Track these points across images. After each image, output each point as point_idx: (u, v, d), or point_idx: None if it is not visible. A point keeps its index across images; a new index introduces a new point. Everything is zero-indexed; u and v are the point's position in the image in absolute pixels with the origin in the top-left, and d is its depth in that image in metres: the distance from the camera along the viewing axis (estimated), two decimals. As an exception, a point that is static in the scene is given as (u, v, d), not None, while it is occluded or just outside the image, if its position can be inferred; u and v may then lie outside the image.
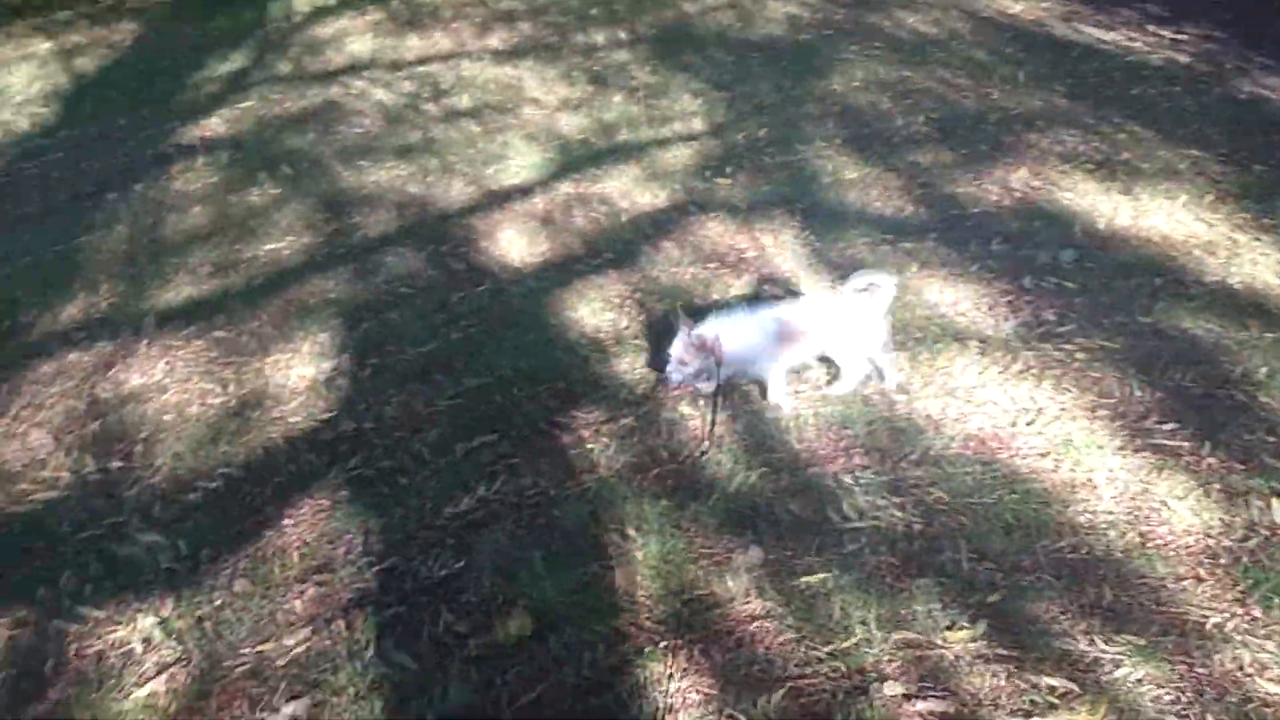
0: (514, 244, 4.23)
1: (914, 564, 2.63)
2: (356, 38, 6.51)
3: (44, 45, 6.28)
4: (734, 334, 3.07)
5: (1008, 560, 2.61)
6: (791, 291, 3.73)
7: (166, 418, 3.17)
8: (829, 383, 3.32)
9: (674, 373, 3.09)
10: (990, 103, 5.34)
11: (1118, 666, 2.33)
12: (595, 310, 3.76)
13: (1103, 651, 2.36)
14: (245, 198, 4.49)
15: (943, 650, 2.39)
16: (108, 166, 4.74)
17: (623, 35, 6.74)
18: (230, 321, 3.66)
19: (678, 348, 3.05)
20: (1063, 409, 3.13)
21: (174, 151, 4.90)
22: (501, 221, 4.40)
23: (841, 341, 3.21)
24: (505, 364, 3.47)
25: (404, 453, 3.05)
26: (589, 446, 3.11)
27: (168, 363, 3.44)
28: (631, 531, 2.76)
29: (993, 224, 4.21)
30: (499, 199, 4.60)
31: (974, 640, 2.40)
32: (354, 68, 6.04)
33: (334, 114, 5.39)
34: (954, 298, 3.73)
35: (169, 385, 3.33)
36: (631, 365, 3.46)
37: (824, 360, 3.34)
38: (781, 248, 4.18)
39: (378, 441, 3.11)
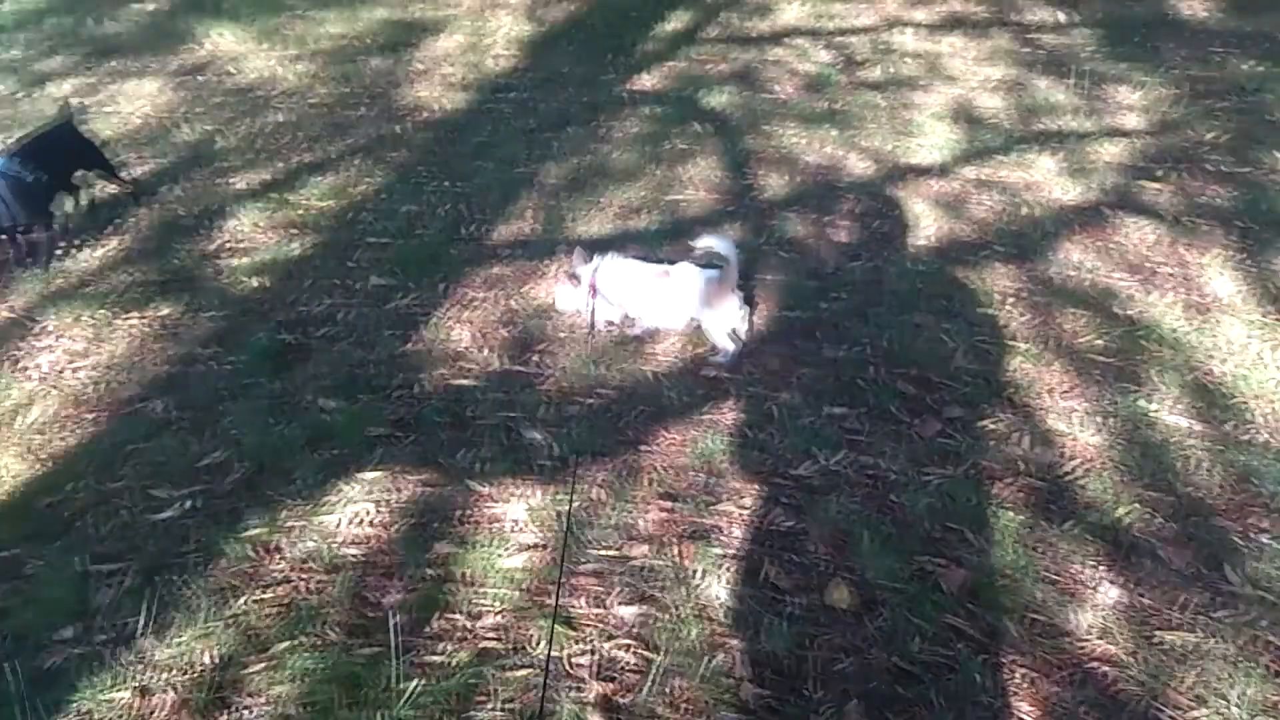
0: (902, 222, 4.15)
1: (1307, 653, 2.25)
2: (786, 6, 6.65)
3: (519, -2, 7.18)
4: (609, 276, 3.36)
5: None
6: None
7: (562, 335, 3.57)
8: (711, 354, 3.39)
9: (556, 300, 3.55)
10: None
11: None
12: (974, 303, 3.60)
13: None
14: (659, 150, 4.85)
15: (1325, 759, 2.04)
16: (551, 109, 5.35)
17: (1064, 17, 6.21)
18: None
19: (560, 280, 3.51)
20: None
21: (607, 101, 5.41)
22: (894, 198, 4.32)
23: (700, 312, 3.29)
24: (868, 341, 3.45)
25: (758, 409, 3.17)
26: (941, 440, 3.01)
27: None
28: (974, 535, 2.65)
29: None
30: (896, 175, 4.52)
31: (1371, 760, 2.02)
32: (777, 35, 6.20)
33: (752, 78, 5.60)
34: None
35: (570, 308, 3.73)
36: (1005, 366, 3.28)
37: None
38: (1208, 267, 3.68)
39: (736, 393, 3.26)
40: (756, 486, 2.87)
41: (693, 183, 4.55)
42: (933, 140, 4.80)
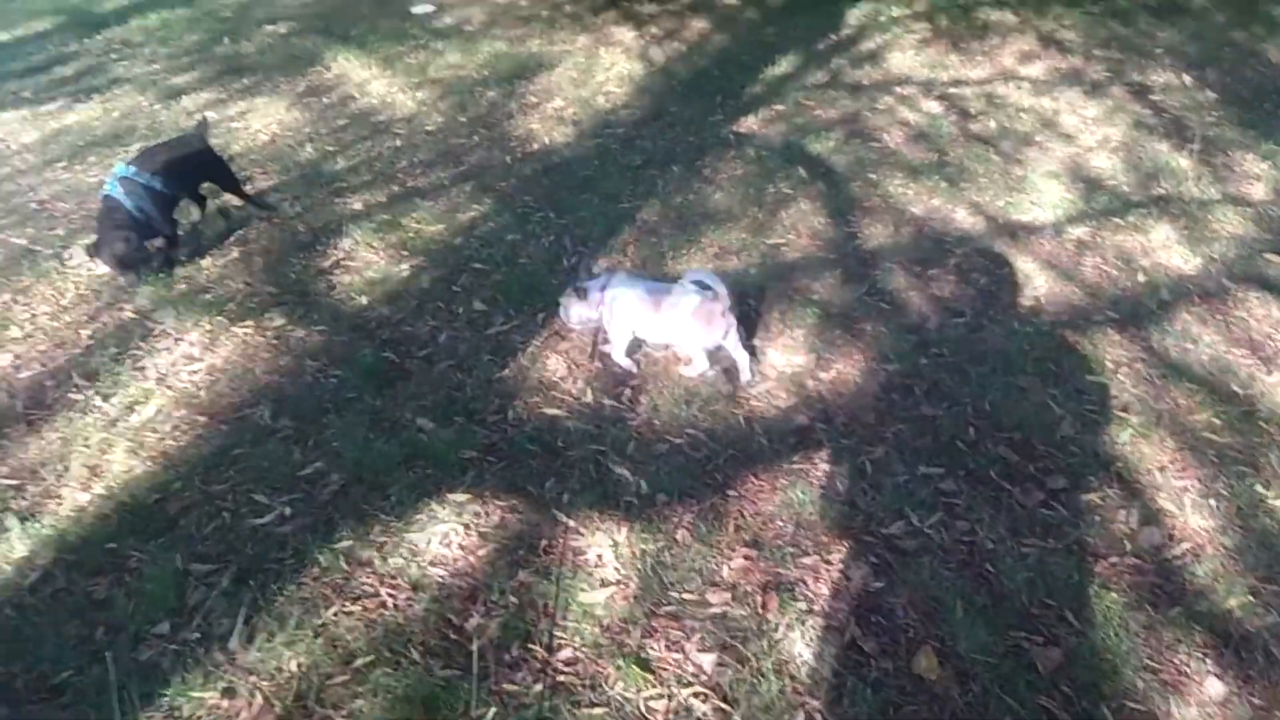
0: (1009, 281, 4.05)
1: None
2: (898, 54, 6.63)
3: (629, 34, 7.33)
4: (614, 293, 3.49)
5: None
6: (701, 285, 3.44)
7: (656, 371, 3.59)
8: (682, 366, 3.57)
9: (563, 314, 3.67)
10: None
11: None
12: (1083, 370, 3.48)
13: None
14: (761, 193, 4.86)
15: None
16: (657, 148, 5.43)
17: (1188, 80, 6.02)
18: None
19: (567, 294, 3.61)
20: None
21: (712, 142, 5.45)
22: (1002, 255, 4.24)
23: (681, 333, 3.47)
24: (968, 401, 3.37)
25: (850, 462, 3.12)
26: (1043, 511, 2.91)
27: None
28: (1072, 614, 2.54)
29: None
30: (1003, 232, 4.43)
31: None
32: (887, 83, 6.17)
33: (859, 126, 5.58)
34: None
35: (663, 346, 3.75)
36: (1113, 438, 3.16)
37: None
38: (1337, 351, 3.50)
39: (825, 444, 3.22)
40: (845, 543, 2.82)
41: (794, 228, 4.54)
42: (1045, 198, 4.70)
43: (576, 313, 3.63)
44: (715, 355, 3.54)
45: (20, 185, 5.14)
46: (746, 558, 2.79)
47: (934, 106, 5.80)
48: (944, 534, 2.83)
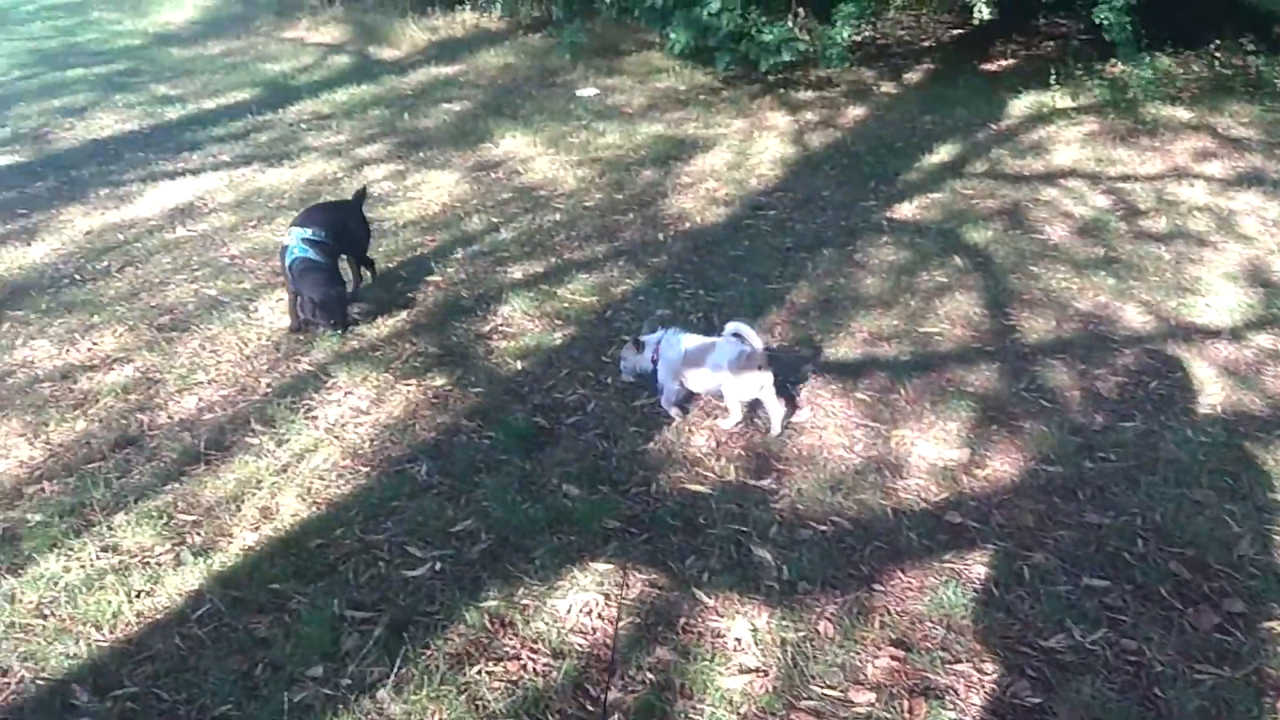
0: (1183, 386, 3.84)
1: None
2: (1063, 146, 6.48)
3: (784, 119, 7.48)
4: (667, 346, 3.73)
5: None
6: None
7: (802, 455, 3.56)
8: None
9: (621, 366, 3.93)
10: None
11: None
12: (1265, 486, 3.24)
13: None
14: (915, 280, 4.80)
15: None
16: (808, 230, 5.46)
17: (1388, 182, 5.63)
18: (873, 387, 3.96)
19: (626, 346, 3.90)
20: None
21: (864, 227, 5.45)
22: (1175, 359, 4.02)
23: (723, 384, 3.63)
24: (1137, 511, 3.19)
25: (1007, 566, 2.98)
26: (1218, 636, 2.69)
27: (815, 408, 3.85)
28: (1257, 756, 2.33)
29: None
30: (1178, 334, 4.21)
31: None
32: (1050, 175, 6.03)
33: (1019, 217, 5.46)
34: None
35: (810, 428, 3.72)
36: (1303, 565, 2.91)
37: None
38: None
39: (979, 544, 3.09)
40: (1000, 652, 2.67)
41: (948, 317, 4.45)
42: (1222, 301, 4.45)
43: (632, 363, 3.86)
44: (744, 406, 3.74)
45: (215, 240, 5.62)
46: (893, 658, 2.69)
47: (1101, 201, 5.62)
48: (1108, 651, 2.65)
